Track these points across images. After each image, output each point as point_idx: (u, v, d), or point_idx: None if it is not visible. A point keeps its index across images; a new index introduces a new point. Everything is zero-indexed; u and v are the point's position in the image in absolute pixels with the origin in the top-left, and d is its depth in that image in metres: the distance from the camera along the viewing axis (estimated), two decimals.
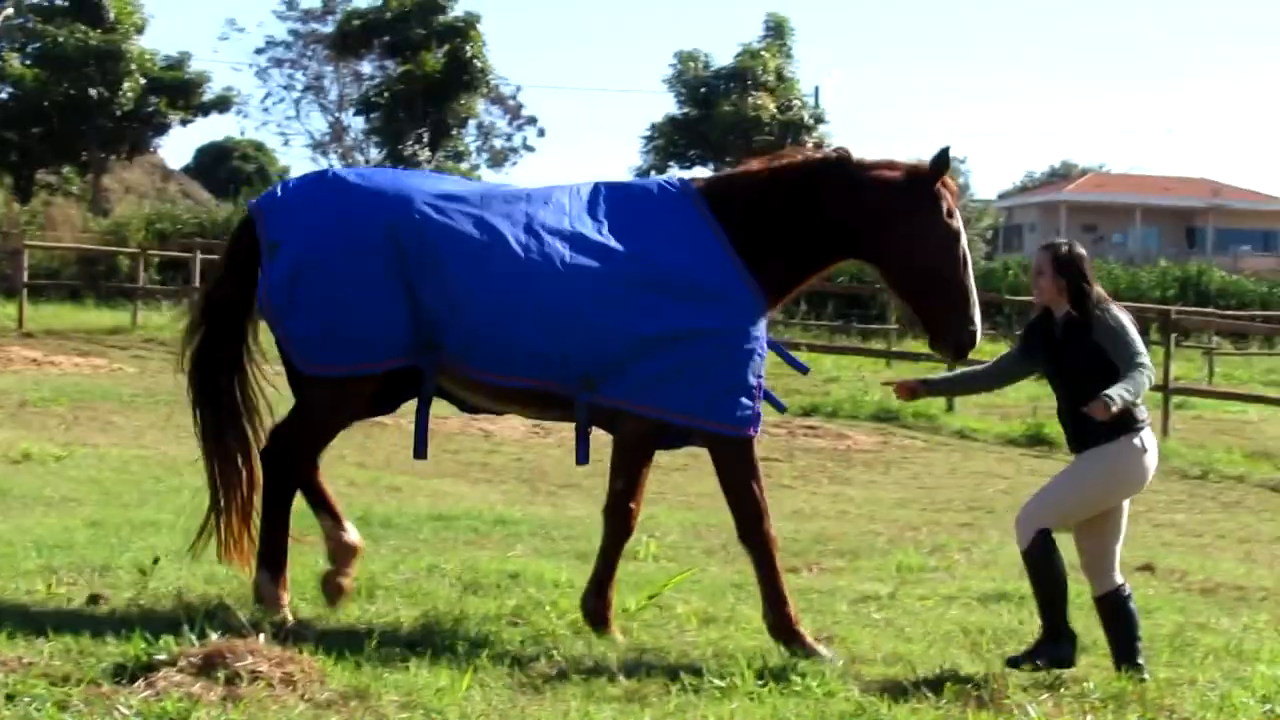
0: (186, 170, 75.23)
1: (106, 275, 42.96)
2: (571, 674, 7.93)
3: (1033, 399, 24.98)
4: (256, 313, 9.04)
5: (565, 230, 8.80)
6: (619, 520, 9.22)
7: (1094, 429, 8.32)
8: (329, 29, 61.71)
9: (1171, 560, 13.36)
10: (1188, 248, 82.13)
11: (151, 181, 64.51)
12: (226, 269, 9.20)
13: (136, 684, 6.99)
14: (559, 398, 8.84)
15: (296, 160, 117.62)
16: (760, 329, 8.84)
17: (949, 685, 8.06)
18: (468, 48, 59.47)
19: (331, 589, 9.16)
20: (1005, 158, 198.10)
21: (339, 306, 8.61)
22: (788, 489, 17.83)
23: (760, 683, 7.85)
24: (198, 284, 35.84)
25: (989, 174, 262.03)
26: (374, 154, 61.25)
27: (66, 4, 57.52)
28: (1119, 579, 8.58)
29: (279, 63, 63.22)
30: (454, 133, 61.85)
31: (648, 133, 65.30)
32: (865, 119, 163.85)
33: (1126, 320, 8.46)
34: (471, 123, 63.93)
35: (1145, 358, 8.29)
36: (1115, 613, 8.56)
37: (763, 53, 62.88)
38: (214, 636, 7.51)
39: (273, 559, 8.90)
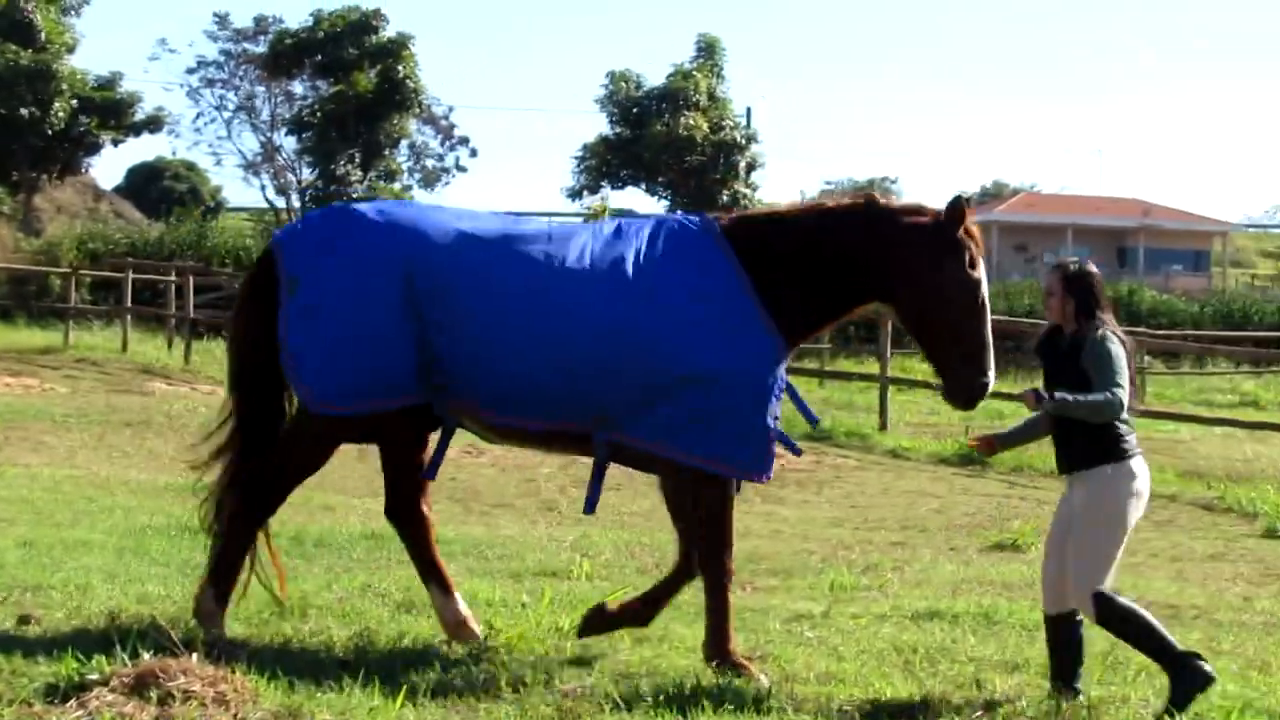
0: (118, 190, 74.60)
1: (38, 295, 42.68)
2: (505, 692, 7.95)
3: (965, 418, 25.07)
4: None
5: (585, 270, 8.71)
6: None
7: (1078, 451, 8.40)
8: (261, 49, 61.32)
9: None
10: (1119, 267, 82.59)
11: (83, 201, 63.92)
12: (246, 301, 9.16)
13: (69, 704, 6.99)
14: (578, 437, 8.84)
15: (229, 181, 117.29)
16: (779, 372, 8.79)
17: (882, 706, 8.10)
18: (400, 68, 59.25)
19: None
20: (937, 177, 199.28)
21: (352, 345, 8.58)
22: None
23: (693, 701, 7.87)
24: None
25: (920, 194, 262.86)
26: (306, 174, 60.97)
27: None
28: (1073, 604, 8.53)
29: (210, 83, 62.76)
30: (386, 153, 61.52)
31: (580, 153, 65.02)
32: (797, 136, 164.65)
33: (1118, 350, 8.50)
34: (404, 143, 63.61)
35: (1120, 388, 8.32)
36: (1064, 636, 8.57)
37: (694, 73, 62.78)
38: (146, 656, 7.50)
39: (222, 578, 8.91)
